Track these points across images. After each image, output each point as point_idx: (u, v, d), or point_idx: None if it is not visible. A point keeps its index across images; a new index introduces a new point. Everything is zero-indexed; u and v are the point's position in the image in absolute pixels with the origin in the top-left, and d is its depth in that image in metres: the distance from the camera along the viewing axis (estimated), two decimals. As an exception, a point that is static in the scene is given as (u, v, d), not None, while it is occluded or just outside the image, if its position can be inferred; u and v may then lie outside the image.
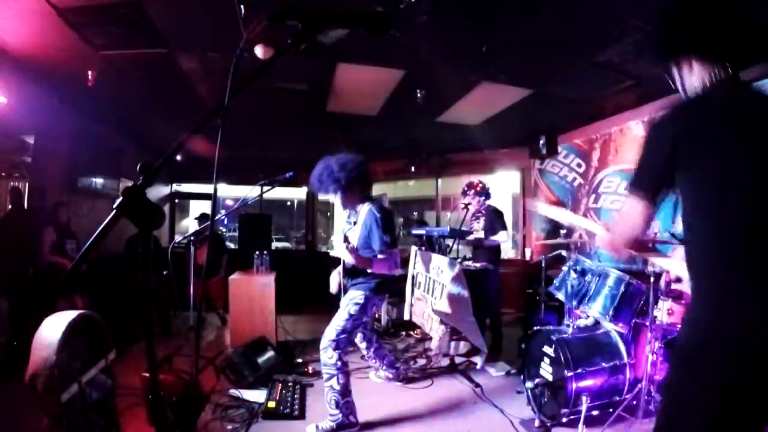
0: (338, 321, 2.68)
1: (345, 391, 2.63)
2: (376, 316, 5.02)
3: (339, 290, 2.93)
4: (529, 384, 2.87)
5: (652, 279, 2.57)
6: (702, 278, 1.10)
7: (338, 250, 2.67)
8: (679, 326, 1.18)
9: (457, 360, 3.88)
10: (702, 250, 1.10)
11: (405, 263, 5.23)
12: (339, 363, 2.61)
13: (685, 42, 1.18)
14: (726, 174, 1.06)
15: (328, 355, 2.62)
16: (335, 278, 3.00)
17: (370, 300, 2.73)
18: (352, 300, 2.72)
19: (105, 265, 4.30)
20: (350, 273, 2.81)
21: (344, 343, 2.66)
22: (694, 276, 1.11)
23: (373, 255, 2.66)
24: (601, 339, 2.84)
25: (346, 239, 2.77)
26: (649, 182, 1.17)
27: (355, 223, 2.87)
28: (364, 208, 2.77)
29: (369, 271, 2.68)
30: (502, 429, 2.72)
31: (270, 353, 3.61)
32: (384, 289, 2.81)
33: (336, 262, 2.98)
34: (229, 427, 2.65)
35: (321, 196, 2.81)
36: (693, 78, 1.19)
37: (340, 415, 2.60)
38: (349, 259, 2.63)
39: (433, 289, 4.23)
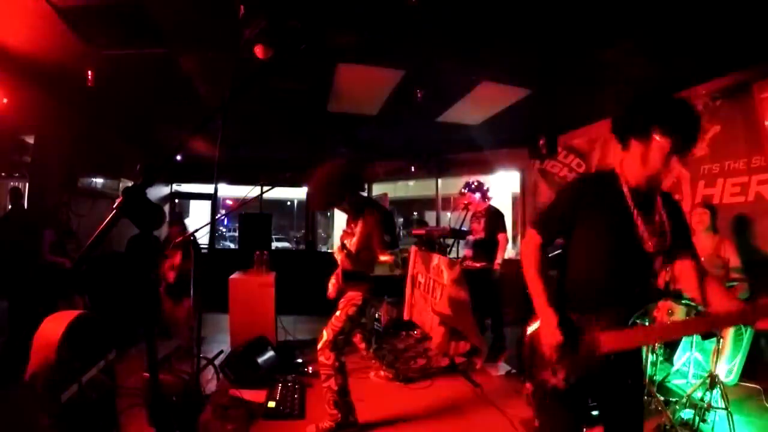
0: (335, 322, 2.68)
1: (343, 391, 2.63)
2: (377, 316, 5.02)
3: (337, 295, 2.90)
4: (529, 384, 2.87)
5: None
6: None
7: (337, 257, 2.70)
8: None
9: (457, 360, 3.88)
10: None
11: (405, 263, 5.23)
12: (336, 363, 2.61)
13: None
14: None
15: (325, 356, 2.62)
16: (333, 282, 3.00)
17: (368, 302, 2.74)
18: (349, 301, 2.72)
19: (105, 265, 4.29)
20: (349, 276, 2.80)
21: (341, 344, 2.66)
22: None
23: (373, 256, 2.67)
24: (601, 339, 2.83)
25: (343, 246, 2.77)
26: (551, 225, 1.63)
27: (349, 231, 2.87)
28: (364, 211, 2.76)
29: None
30: (502, 429, 2.73)
31: (270, 353, 3.61)
32: (382, 290, 2.81)
33: (336, 264, 2.98)
34: (229, 427, 2.65)
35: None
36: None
37: (340, 415, 2.61)
38: (347, 265, 2.65)
39: (433, 289, 4.23)
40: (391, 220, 2.81)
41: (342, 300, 2.78)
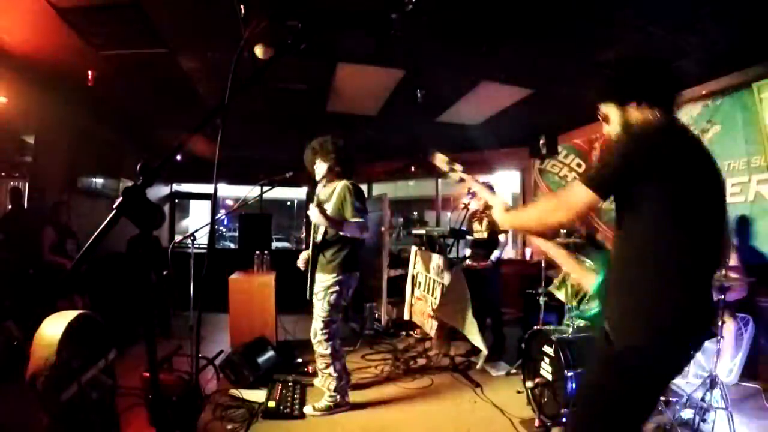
0: (321, 313, 2.79)
1: (341, 376, 2.80)
2: (376, 315, 5.02)
3: (306, 267, 2.98)
4: (529, 384, 2.87)
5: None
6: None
7: (312, 214, 2.74)
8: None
9: (457, 360, 3.88)
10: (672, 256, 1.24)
11: (405, 263, 5.23)
12: (334, 352, 2.78)
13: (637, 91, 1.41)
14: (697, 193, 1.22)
15: (323, 347, 2.78)
16: (304, 256, 3.06)
17: (344, 283, 2.81)
18: (326, 289, 2.79)
19: (105, 265, 4.29)
20: (321, 247, 2.87)
21: (334, 332, 2.80)
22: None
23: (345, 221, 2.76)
24: (601, 339, 2.83)
25: (320, 204, 2.83)
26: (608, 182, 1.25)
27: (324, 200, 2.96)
28: (340, 183, 2.90)
29: (341, 234, 2.76)
30: (502, 429, 2.72)
31: (270, 353, 3.61)
32: (352, 264, 2.87)
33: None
34: (229, 427, 2.65)
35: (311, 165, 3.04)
36: (636, 116, 1.39)
37: (338, 397, 2.78)
38: (322, 222, 2.72)
39: (433, 289, 4.23)
40: (362, 192, 2.94)
41: (317, 285, 2.85)
